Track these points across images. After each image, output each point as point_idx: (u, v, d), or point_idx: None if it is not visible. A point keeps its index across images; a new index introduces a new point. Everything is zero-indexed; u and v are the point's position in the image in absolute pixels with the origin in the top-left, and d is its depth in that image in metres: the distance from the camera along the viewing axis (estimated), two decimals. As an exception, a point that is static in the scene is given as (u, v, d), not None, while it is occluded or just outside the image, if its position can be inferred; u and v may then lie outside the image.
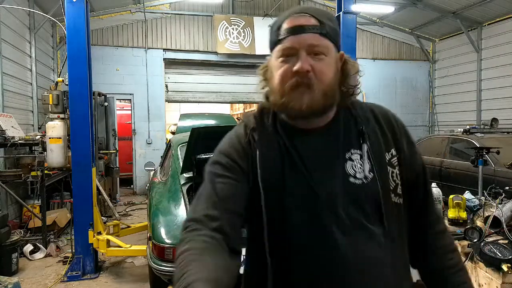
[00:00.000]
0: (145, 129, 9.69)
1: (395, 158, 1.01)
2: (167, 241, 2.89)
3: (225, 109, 14.78)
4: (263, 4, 9.62)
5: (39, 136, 5.07)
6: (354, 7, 8.91)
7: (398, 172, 1.00)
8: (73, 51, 4.08)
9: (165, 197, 3.43)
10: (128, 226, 5.24)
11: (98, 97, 6.97)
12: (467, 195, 2.55)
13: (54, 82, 4.83)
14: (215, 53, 9.76)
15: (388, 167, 0.99)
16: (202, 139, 3.08)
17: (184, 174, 3.47)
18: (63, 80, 4.33)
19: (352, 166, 0.96)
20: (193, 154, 3.17)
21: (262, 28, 9.55)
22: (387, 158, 1.00)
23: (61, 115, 4.41)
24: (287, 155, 0.96)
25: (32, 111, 7.08)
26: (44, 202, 5.16)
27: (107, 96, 7.76)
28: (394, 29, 11.07)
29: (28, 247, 4.91)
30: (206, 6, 9.72)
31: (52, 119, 4.38)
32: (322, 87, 0.93)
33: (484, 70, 9.90)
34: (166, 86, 9.89)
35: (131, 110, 9.68)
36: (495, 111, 9.26)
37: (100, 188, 6.44)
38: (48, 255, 4.94)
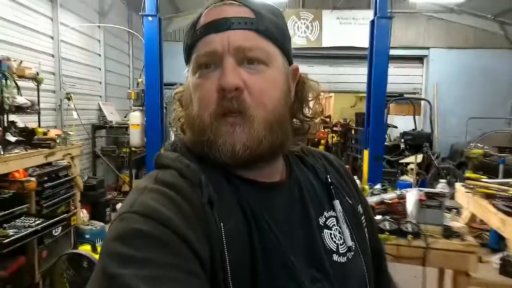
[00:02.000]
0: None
1: (363, 217, 0.77)
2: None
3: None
4: (332, -3, 10.01)
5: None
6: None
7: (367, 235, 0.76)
8: (148, 59, 5.29)
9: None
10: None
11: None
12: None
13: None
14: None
15: (365, 230, 0.75)
16: None
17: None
18: (142, 80, 5.67)
19: (331, 237, 0.69)
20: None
21: (330, 21, 10.07)
22: (361, 218, 0.76)
23: (140, 108, 5.79)
24: (256, 228, 0.60)
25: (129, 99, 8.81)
26: (131, 172, 6.70)
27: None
28: (474, 16, 10.58)
29: (119, 205, 6.51)
30: (278, 2, 10.42)
31: (134, 110, 5.80)
32: (265, 114, 0.61)
33: None
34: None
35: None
36: None
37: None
38: (132, 212, 6.48)
